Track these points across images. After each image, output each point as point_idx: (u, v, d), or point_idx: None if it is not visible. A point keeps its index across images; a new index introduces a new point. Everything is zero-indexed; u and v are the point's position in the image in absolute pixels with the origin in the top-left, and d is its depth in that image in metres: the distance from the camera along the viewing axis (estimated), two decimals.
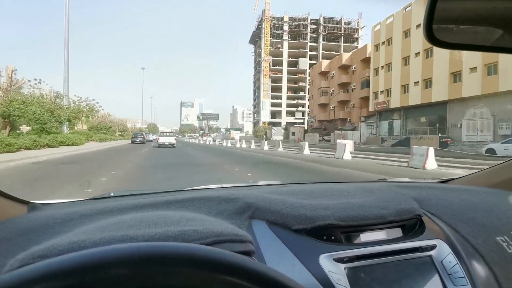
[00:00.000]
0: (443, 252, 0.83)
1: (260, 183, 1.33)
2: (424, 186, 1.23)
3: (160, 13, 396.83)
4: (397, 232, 0.86)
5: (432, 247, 0.83)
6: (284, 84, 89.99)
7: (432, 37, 0.57)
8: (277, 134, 59.99)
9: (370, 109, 36.80)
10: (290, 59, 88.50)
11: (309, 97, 63.43)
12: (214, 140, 52.84)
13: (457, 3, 0.56)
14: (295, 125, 74.02)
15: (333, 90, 51.14)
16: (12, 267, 0.45)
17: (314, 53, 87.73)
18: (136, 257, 0.38)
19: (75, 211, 0.78)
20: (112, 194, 1.06)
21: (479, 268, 0.83)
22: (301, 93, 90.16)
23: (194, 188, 1.19)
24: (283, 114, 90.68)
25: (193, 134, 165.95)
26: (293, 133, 58.33)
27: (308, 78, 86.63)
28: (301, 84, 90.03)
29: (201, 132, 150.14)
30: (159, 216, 0.66)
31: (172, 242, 0.45)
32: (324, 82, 53.97)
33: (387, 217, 0.84)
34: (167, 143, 25.36)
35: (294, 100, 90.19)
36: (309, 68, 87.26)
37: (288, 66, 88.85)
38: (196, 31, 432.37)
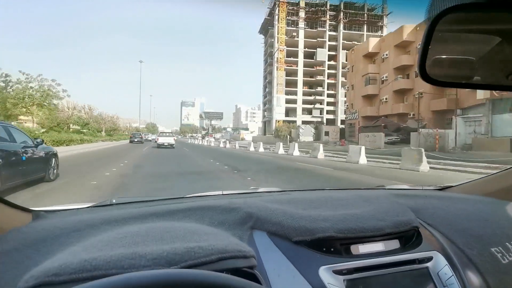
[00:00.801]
0: (439, 263, 0.83)
1: (261, 190, 1.30)
2: (421, 194, 1.22)
3: (158, 6, 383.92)
4: (395, 244, 0.86)
5: (429, 259, 0.84)
6: (300, 78, 77.40)
7: (426, 76, 0.61)
8: (306, 135, 47.06)
9: (479, 97, 23.78)
10: (307, 49, 76.00)
11: (347, 87, 50.25)
12: (230, 142, 39.63)
13: (446, 47, 0.60)
14: (323, 124, 61.51)
15: (385, 77, 38.28)
16: (28, 284, 0.46)
17: (333, 43, 75.31)
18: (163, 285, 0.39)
19: (80, 221, 0.78)
20: (114, 201, 1.05)
21: (474, 279, 0.83)
22: (319, 88, 77.68)
23: (196, 195, 1.18)
24: (299, 111, 78.15)
25: (194, 134, 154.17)
26: (327, 133, 45.46)
27: (327, 70, 74.57)
28: (318, 78, 77.54)
29: (204, 132, 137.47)
30: (164, 229, 0.68)
31: (193, 270, 0.49)
32: (372, 66, 40.97)
33: (385, 229, 0.85)
34: (166, 143, 25.37)
35: (311, 96, 77.68)
36: (328, 60, 75.11)
37: (304, 58, 76.40)
38: (197, 26, 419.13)
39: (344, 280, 0.74)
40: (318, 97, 77.28)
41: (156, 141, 26.82)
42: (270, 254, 0.75)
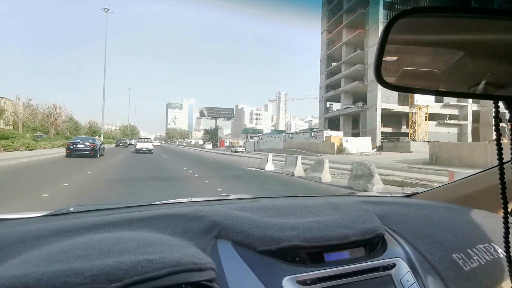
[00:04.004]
0: (402, 270, 0.81)
1: (231, 197, 1.25)
2: (389, 201, 1.20)
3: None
4: (360, 252, 0.84)
5: (392, 266, 0.82)
6: None
7: (381, 79, 0.58)
8: None
9: None
10: None
11: None
12: None
13: (401, 53, 0.58)
14: None
15: None
16: None
17: None
18: None
19: (27, 231, 0.69)
20: (71, 210, 0.93)
21: (436, 286, 0.81)
22: None
23: (163, 202, 1.09)
24: (419, 95, 35.81)
25: (188, 140, 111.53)
26: None
27: None
28: None
29: (205, 135, 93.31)
30: (116, 241, 0.61)
31: None
32: None
33: (351, 237, 0.82)
34: (145, 149, 24.28)
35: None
36: None
37: None
38: (187, 18, 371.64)
39: None
40: None
41: (135, 147, 26.27)
42: (233, 265, 0.70)
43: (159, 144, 63.94)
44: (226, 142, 65.40)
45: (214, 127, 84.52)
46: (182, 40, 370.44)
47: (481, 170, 1.22)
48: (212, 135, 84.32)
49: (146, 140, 28.07)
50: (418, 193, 1.37)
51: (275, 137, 48.34)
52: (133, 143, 41.60)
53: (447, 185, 1.33)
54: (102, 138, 41.93)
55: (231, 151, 42.11)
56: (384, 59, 0.56)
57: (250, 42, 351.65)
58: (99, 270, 0.48)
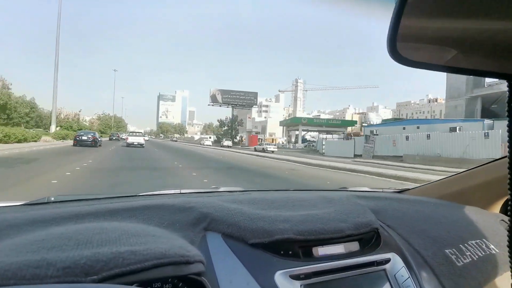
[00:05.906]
0: (396, 265, 0.80)
1: (221, 189, 1.22)
2: (381, 196, 1.19)
3: None
4: (355, 246, 0.81)
5: (387, 261, 0.80)
6: None
7: (396, 54, 0.51)
8: None
9: None
10: None
11: None
12: None
13: (420, 22, 0.50)
14: None
15: None
16: None
17: None
18: None
19: (1, 220, 0.64)
20: (52, 199, 0.88)
21: (430, 282, 0.80)
22: None
23: (150, 193, 1.05)
24: None
25: (187, 135, 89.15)
26: None
27: None
28: None
29: (220, 128, 69.15)
30: (97, 230, 0.57)
31: (99, 285, 0.40)
32: None
33: (345, 231, 0.79)
34: (136, 143, 24.58)
35: None
36: None
37: None
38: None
39: (301, 286, 0.68)
40: None
41: (126, 141, 26.99)
42: (223, 258, 0.67)
43: (148, 138, 57.10)
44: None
45: (230, 117, 60.32)
46: (177, 21, 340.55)
47: (472, 167, 1.22)
48: (228, 129, 60.00)
49: (137, 134, 28.26)
50: (410, 189, 1.37)
51: (456, 129, 20.16)
52: (123, 137, 41.81)
53: (438, 181, 1.33)
54: (53, 129, 28.91)
55: (255, 149, 31.73)
56: (400, 30, 0.48)
57: (250, 21, 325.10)
58: (74, 262, 0.44)
